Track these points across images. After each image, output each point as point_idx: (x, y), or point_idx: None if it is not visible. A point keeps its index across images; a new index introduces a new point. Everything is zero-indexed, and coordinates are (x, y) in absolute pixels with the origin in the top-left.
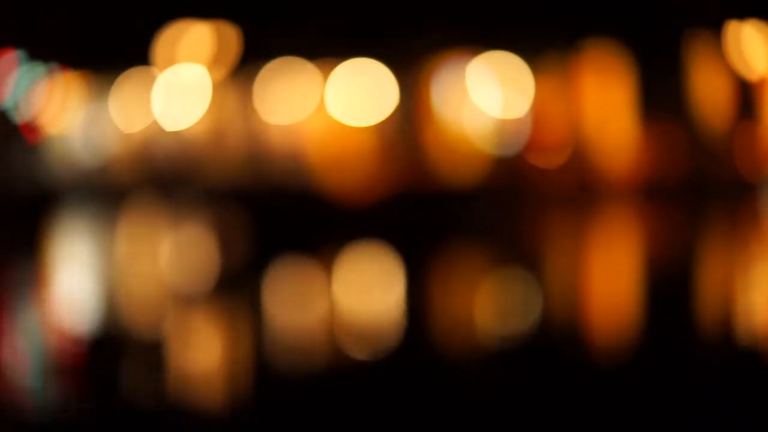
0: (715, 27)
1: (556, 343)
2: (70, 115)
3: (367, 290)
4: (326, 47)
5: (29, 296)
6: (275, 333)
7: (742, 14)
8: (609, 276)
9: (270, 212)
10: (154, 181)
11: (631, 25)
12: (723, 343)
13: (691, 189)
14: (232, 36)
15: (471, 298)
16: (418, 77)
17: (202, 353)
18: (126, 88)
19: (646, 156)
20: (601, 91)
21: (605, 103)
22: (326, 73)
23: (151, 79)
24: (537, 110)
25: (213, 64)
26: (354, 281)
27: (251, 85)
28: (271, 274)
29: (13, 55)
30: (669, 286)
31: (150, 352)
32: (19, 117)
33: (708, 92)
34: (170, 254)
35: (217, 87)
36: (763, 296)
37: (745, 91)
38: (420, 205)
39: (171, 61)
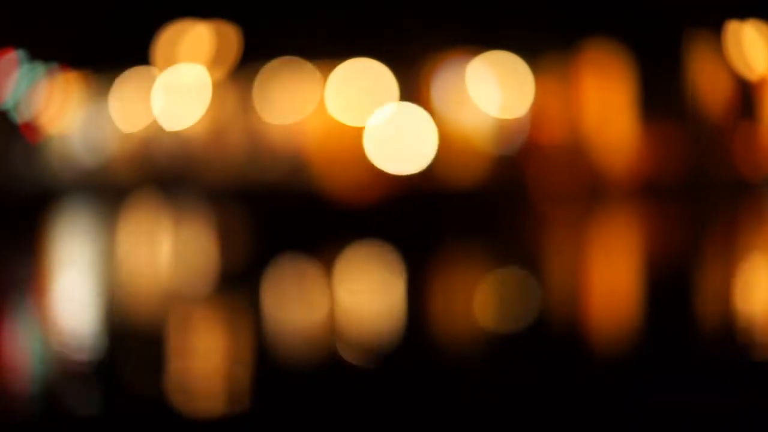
0: (715, 27)
1: (556, 343)
2: (70, 115)
3: (368, 290)
4: (326, 47)
5: (29, 296)
6: (275, 333)
7: (742, 14)
8: (609, 275)
9: (270, 212)
10: (154, 180)
11: (631, 25)
12: (723, 342)
13: (691, 188)
14: (232, 36)
15: (471, 297)
16: (418, 77)
17: (203, 353)
18: (126, 88)
19: (646, 156)
20: (601, 91)
21: (605, 103)
22: (326, 73)
23: (151, 79)
24: (537, 110)
25: (213, 64)
26: (354, 281)
27: (251, 85)
28: (272, 274)
29: (13, 55)
30: (669, 286)
31: (150, 352)
32: (19, 117)
33: (708, 92)
34: (170, 254)
35: (217, 87)
36: (763, 296)
37: (745, 91)
38: (420, 204)
39: (171, 61)
